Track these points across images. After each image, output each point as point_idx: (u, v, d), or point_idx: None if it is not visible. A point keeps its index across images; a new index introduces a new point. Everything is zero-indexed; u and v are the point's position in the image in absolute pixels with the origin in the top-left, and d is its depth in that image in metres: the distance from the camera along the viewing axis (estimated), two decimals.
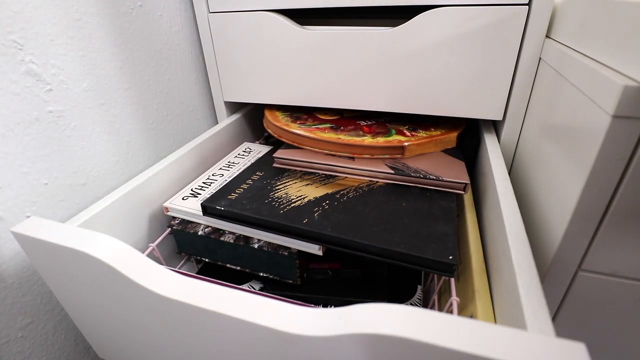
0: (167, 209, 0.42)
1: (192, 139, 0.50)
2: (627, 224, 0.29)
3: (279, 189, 0.40)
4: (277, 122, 0.50)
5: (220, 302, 0.23)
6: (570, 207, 0.30)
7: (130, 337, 0.32)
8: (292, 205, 0.37)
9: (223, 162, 0.51)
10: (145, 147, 0.49)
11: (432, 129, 0.48)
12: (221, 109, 0.59)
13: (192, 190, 0.44)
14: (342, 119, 0.52)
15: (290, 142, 0.48)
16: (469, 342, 0.18)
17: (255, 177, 0.43)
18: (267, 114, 0.54)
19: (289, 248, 0.37)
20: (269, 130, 0.52)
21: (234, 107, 0.62)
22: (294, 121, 0.51)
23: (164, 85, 0.50)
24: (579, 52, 0.33)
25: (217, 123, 0.61)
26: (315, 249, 0.35)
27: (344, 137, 0.45)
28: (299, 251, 0.37)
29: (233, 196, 0.39)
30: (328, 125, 0.49)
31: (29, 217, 0.35)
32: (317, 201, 0.38)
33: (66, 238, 0.27)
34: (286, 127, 0.48)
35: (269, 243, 0.38)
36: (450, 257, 0.30)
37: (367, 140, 0.44)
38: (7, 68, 0.32)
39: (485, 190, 0.40)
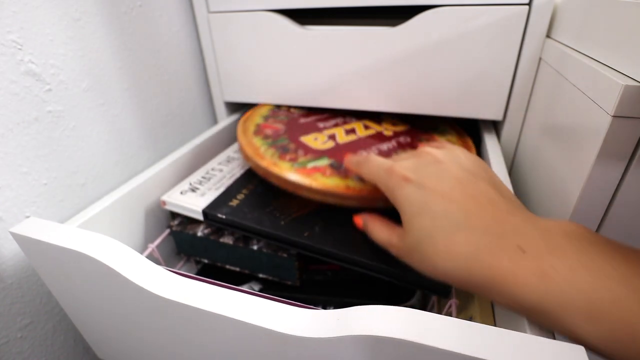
0: (164, 203, 0.41)
1: (192, 139, 0.50)
2: (627, 224, 0.29)
3: (280, 196, 0.40)
4: (260, 160, 0.39)
5: (219, 304, 0.23)
6: (570, 207, 0.30)
7: (130, 338, 0.32)
8: (293, 215, 0.37)
9: (222, 157, 0.50)
10: (145, 147, 0.49)
11: None
12: (221, 109, 0.59)
13: (190, 184, 0.44)
14: (337, 147, 0.43)
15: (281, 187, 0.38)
16: (467, 344, 0.18)
17: (256, 182, 0.43)
18: (243, 141, 0.42)
19: (289, 250, 0.37)
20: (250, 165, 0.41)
21: (233, 107, 0.62)
22: (282, 156, 0.40)
23: (163, 85, 0.50)
24: (579, 52, 0.33)
25: (217, 123, 0.60)
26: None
27: (352, 184, 0.36)
28: (299, 253, 0.37)
29: (234, 202, 0.39)
30: (327, 162, 0.39)
31: (28, 217, 0.35)
32: (319, 212, 0.38)
33: (65, 239, 0.27)
34: (276, 171, 0.37)
35: (269, 245, 0.38)
36: None
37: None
38: (6, 68, 0.32)
39: None
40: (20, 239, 0.29)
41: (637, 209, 0.28)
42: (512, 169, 0.48)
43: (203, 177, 0.45)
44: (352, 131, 0.47)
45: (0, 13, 0.31)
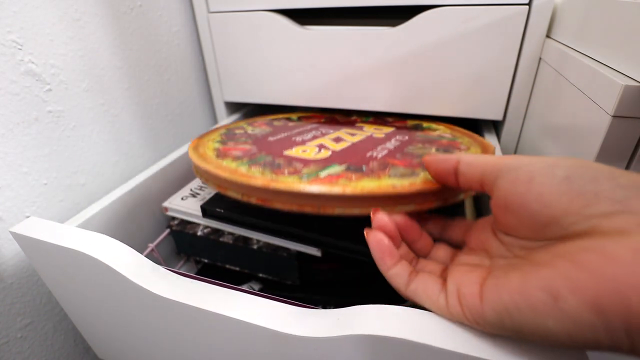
0: (166, 209, 0.42)
1: (192, 139, 0.50)
2: None
3: None
4: (250, 180, 0.27)
5: (219, 303, 0.23)
6: None
7: (130, 337, 0.32)
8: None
9: None
10: (145, 147, 0.49)
11: None
12: (221, 109, 0.59)
13: (191, 190, 0.44)
14: (338, 154, 0.34)
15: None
16: (467, 343, 0.18)
17: None
18: (208, 166, 0.30)
19: (289, 249, 0.37)
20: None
21: (233, 107, 0.62)
22: (277, 171, 0.29)
23: (163, 85, 0.50)
24: (579, 52, 0.33)
25: (217, 123, 0.60)
26: (314, 251, 0.35)
27: (398, 182, 0.26)
28: (299, 252, 0.37)
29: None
30: (342, 168, 0.29)
31: (28, 217, 0.35)
32: None
33: (65, 238, 0.27)
34: (283, 186, 0.26)
35: (268, 244, 0.38)
36: None
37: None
38: (7, 68, 0.32)
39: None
40: (20, 239, 0.29)
41: None
42: None
43: (204, 183, 0.45)
44: (340, 139, 0.40)
45: (0, 13, 0.31)
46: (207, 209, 0.38)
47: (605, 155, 0.26)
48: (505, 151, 0.47)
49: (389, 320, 0.20)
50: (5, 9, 0.31)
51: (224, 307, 0.22)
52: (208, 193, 0.43)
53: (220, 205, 0.38)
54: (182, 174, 0.47)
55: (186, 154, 0.47)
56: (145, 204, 0.42)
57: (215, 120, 0.62)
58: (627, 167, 0.26)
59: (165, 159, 0.45)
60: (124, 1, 0.43)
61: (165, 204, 0.41)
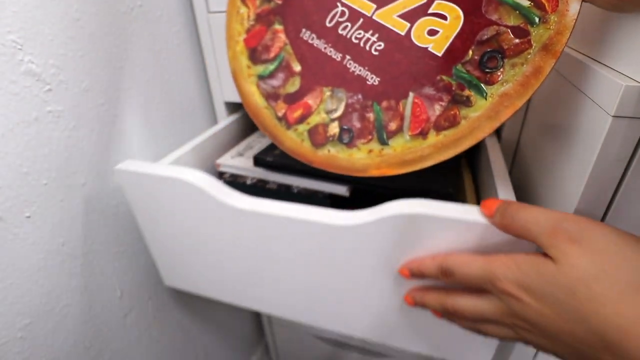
0: (218, 165, 0.48)
1: (192, 139, 0.50)
2: (627, 225, 0.29)
3: None
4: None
5: (284, 209, 0.32)
6: (570, 207, 0.30)
7: (202, 258, 0.41)
8: None
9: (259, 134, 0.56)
10: (145, 147, 0.49)
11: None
12: (221, 109, 0.59)
13: (238, 151, 0.51)
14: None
15: None
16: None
17: None
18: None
19: (323, 191, 0.42)
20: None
21: (233, 107, 0.62)
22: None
23: (163, 85, 0.50)
24: (579, 52, 0.33)
25: (217, 123, 0.60)
26: (342, 190, 0.41)
27: None
28: (330, 194, 0.42)
29: (278, 151, 0.45)
30: None
31: (28, 217, 0.35)
32: None
33: (162, 170, 0.36)
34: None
35: (306, 189, 0.43)
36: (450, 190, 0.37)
37: None
38: (7, 68, 0.32)
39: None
40: (122, 174, 0.37)
41: (637, 209, 0.28)
42: (512, 169, 0.48)
43: (247, 146, 0.53)
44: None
45: (0, 13, 0.31)
46: (259, 159, 0.44)
47: (605, 155, 0.26)
48: (505, 151, 0.46)
49: (410, 204, 0.28)
50: (5, 9, 0.31)
51: (287, 211, 0.32)
52: (251, 153, 0.50)
53: (269, 155, 0.45)
54: None
55: (186, 153, 0.47)
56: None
57: (215, 120, 0.62)
58: (627, 167, 0.27)
59: (165, 158, 0.45)
60: (124, 1, 0.43)
61: (218, 161, 0.48)
